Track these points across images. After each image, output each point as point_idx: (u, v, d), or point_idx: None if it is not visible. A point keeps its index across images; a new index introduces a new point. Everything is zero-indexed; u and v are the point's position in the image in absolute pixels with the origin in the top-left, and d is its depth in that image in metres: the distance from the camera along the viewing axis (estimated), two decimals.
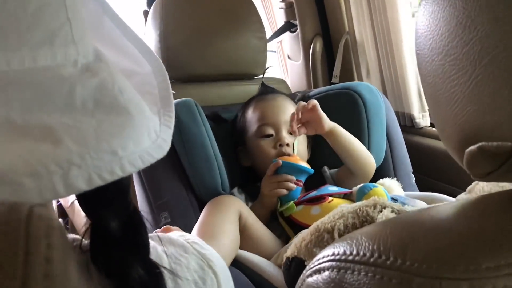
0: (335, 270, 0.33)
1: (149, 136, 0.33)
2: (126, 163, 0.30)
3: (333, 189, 0.97)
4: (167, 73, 0.41)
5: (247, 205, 1.01)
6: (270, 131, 1.08)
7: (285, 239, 0.93)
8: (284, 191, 0.95)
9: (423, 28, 0.38)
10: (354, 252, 0.33)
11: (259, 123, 1.09)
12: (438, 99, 0.38)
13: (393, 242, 0.31)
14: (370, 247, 0.32)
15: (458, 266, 0.28)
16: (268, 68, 1.35)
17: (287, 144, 1.05)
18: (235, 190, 1.07)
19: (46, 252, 0.20)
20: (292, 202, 0.94)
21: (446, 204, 0.37)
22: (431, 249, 0.29)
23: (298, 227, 0.86)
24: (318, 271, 0.35)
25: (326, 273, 0.34)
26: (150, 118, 0.35)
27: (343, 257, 0.33)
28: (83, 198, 0.34)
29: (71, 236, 0.37)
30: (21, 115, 0.28)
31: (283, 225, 0.92)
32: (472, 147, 0.34)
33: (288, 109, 1.11)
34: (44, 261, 0.19)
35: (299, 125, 1.00)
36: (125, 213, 0.36)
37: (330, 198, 0.91)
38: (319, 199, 0.92)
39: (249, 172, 1.15)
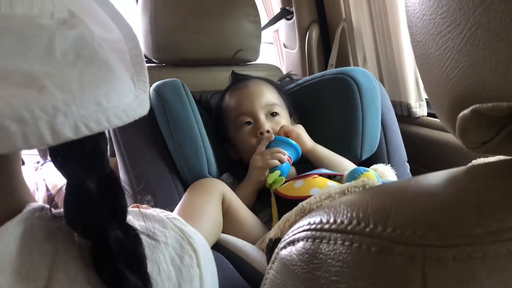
0: (309, 240, 0.30)
1: (129, 93, 0.33)
2: (111, 115, 0.29)
3: (324, 171, 0.95)
4: (138, 39, 0.40)
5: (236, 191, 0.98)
6: (248, 119, 1.05)
7: (272, 226, 0.90)
8: (277, 162, 0.94)
9: None
10: (331, 220, 0.30)
11: (236, 113, 1.06)
12: (428, 59, 0.35)
13: (374, 209, 0.28)
14: (349, 214, 0.29)
15: (444, 232, 0.25)
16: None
17: (268, 131, 1.02)
18: (225, 175, 1.04)
19: None
20: (280, 175, 0.94)
21: (434, 172, 0.34)
22: (414, 214, 0.26)
23: (286, 211, 0.83)
24: (292, 242, 0.32)
25: (301, 243, 0.31)
26: (128, 82, 0.34)
27: (318, 226, 0.30)
28: (60, 156, 0.34)
29: (37, 204, 0.37)
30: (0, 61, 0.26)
31: (272, 206, 0.89)
32: (465, 111, 0.31)
33: (263, 92, 1.08)
34: None
35: None
36: (103, 174, 0.36)
37: (316, 175, 0.89)
38: (305, 176, 0.92)
39: (239, 166, 1.12)
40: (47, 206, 0.37)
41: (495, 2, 0.27)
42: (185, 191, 0.92)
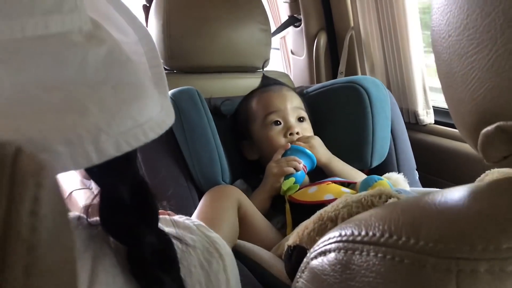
0: (342, 251, 0.31)
1: (156, 104, 0.34)
2: (147, 129, 0.30)
3: (337, 178, 0.96)
4: (154, 41, 0.41)
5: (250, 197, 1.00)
6: (278, 118, 1.07)
7: (286, 233, 0.91)
8: (292, 169, 0.96)
9: (439, 2, 0.36)
10: (363, 233, 0.31)
11: (265, 112, 1.08)
12: (453, 78, 0.36)
13: (405, 221, 0.30)
14: (380, 227, 0.30)
15: (476, 246, 0.26)
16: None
17: (297, 133, 1.04)
18: (238, 182, 1.06)
19: (34, 190, 0.19)
20: (295, 182, 0.95)
21: (457, 187, 0.35)
22: (446, 228, 0.28)
23: (300, 218, 0.85)
24: (324, 253, 0.33)
25: (332, 254, 0.32)
26: (152, 88, 0.35)
27: (350, 238, 0.31)
28: (96, 167, 0.34)
29: (75, 213, 0.38)
30: (39, 84, 0.27)
31: (287, 212, 0.91)
32: (489, 127, 0.32)
33: (294, 98, 1.11)
34: (31, 199, 0.18)
35: None
36: (134, 181, 0.37)
37: (330, 182, 0.91)
38: (318, 183, 0.93)
39: (254, 166, 1.13)
40: (83, 215, 0.38)
41: None
42: (199, 197, 0.93)
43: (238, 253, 0.79)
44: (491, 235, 0.26)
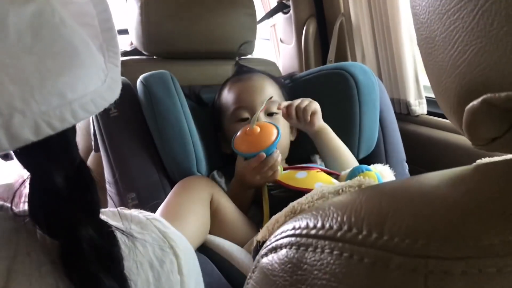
0: (293, 247, 0.26)
1: (98, 76, 0.29)
2: (77, 107, 0.26)
3: (324, 168, 0.91)
4: (108, 3, 0.35)
5: (228, 189, 0.94)
6: (245, 114, 1.00)
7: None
8: (278, 172, 0.86)
9: None
10: (319, 225, 0.26)
11: (234, 106, 1.01)
12: (433, 42, 0.30)
13: (368, 212, 0.24)
14: (339, 218, 0.25)
15: (451, 242, 0.21)
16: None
17: None
18: (215, 172, 1.00)
19: None
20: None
21: (438, 172, 0.29)
22: (416, 219, 0.22)
23: (278, 207, 0.79)
24: (275, 249, 0.28)
25: (283, 251, 0.27)
26: (96, 55, 0.31)
27: (304, 231, 0.26)
28: (20, 148, 0.30)
29: None
30: None
31: (264, 202, 0.83)
32: (475, 102, 0.27)
33: (265, 88, 1.03)
34: None
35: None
36: (71, 166, 0.32)
37: (319, 170, 0.85)
38: (307, 168, 0.87)
39: (231, 157, 1.07)
40: (7, 204, 0.33)
41: None
42: (172, 188, 0.87)
43: (207, 248, 0.74)
44: (469, 228, 0.21)
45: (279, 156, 0.87)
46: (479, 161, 0.69)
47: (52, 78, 0.25)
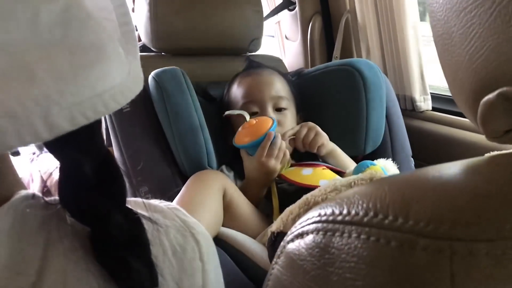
0: (320, 232, 0.28)
1: (123, 69, 0.30)
2: (108, 98, 0.27)
3: (331, 166, 0.92)
4: None
5: (237, 183, 0.95)
6: (255, 108, 1.02)
7: (273, 219, 0.87)
8: (288, 154, 0.91)
9: None
10: (345, 212, 0.27)
11: (243, 100, 1.03)
12: (450, 39, 0.32)
13: (393, 198, 0.26)
14: (364, 205, 0.26)
15: (474, 226, 0.22)
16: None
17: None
18: (224, 167, 1.01)
19: None
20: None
21: (452, 162, 0.31)
22: (439, 205, 0.24)
23: (287, 202, 0.81)
24: (301, 235, 0.29)
25: (310, 236, 0.28)
26: (118, 48, 0.32)
27: (330, 218, 0.27)
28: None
29: (27, 191, 0.34)
30: None
31: (273, 195, 0.86)
32: (490, 96, 0.28)
33: (275, 83, 1.05)
34: None
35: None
36: (98, 156, 0.33)
37: (325, 167, 0.87)
38: (313, 165, 0.89)
39: (238, 154, 1.08)
40: (39, 194, 0.34)
41: None
42: (183, 183, 0.89)
43: (221, 241, 0.76)
44: (491, 213, 0.22)
45: (283, 142, 0.91)
46: (487, 155, 0.70)
47: (84, 71, 0.26)
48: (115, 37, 0.33)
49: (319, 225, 0.28)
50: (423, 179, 0.29)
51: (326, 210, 0.29)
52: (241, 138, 0.92)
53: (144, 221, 0.36)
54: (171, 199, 0.81)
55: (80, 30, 0.28)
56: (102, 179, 0.33)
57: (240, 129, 0.93)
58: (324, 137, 1.00)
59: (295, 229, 0.30)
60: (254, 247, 0.72)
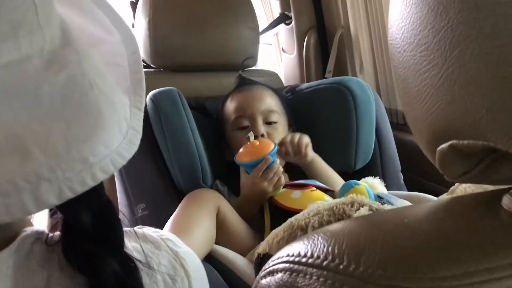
0: (287, 272, 0.31)
1: (120, 131, 0.31)
2: (97, 170, 0.28)
3: (320, 184, 0.95)
4: (138, 45, 0.39)
5: (230, 198, 0.99)
6: (246, 122, 1.05)
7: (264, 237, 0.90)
8: (282, 179, 0.94)
9: (396, 15, 0.36)
10: (309, 254, 0.30)
11: (235, 115, 1.07)
12: (409, 94, 0.35)
13: (349, 245, 0.29)
14: (325, 249, 0.30)
15: (414, 273, 0.25)
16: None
17: (262, 135, 1.03)
18: (217, 182, 1.05)
19: None
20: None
21: (419, 205, 0.34)
22: (387, 253, 0.27)
23: (279, 219, 0.84)
24: (272, 273, 0.33)
25: (279, 275, 0.32)
26: (121, 106, 0.33)
27: (296, 259, 0.31)
28: None
29: (35, 229, 0.36)
30: None
31: (265, 214, 0.89)
32: (443, 145, 0.32)
33: (265, 98, 1.09)
34: None
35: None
36: (98, 205, 0.35)
37: (314, 188, 0.90)
38: (303, 186, 0.92)
39: (233, 169, 1.12)
40: (45, 231, 0.36)
41: (470, 46, 0.28)
42: (179, 199, 0.92)
43: (213, 258, 0.79)
44: (430, 261, 0.26)
45: (280, 167, 0.94)
46: (457, 184, 0.74)
47: (78, 145, 0.28)
48: (124, 86, 0.35)
49: (287, 265, 0.31)
50: (381, 223, 0.32)
51: (293, 251, 0.32)
52: (242, 156, 0.96)
53: (137, 263, 0.37)
54: (168, 215, 0.84)
55: (79, 101, 0.29)
56: (100, 229, 0.35)
57: (242, 148, 0.97)
58: (308, 138, 1.05)
59: (268, 266, 0.34)
60: (243, 265, 0.75)
